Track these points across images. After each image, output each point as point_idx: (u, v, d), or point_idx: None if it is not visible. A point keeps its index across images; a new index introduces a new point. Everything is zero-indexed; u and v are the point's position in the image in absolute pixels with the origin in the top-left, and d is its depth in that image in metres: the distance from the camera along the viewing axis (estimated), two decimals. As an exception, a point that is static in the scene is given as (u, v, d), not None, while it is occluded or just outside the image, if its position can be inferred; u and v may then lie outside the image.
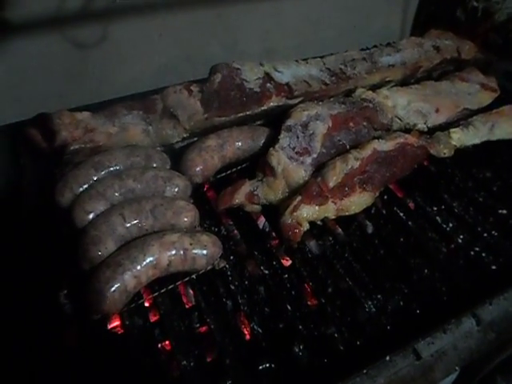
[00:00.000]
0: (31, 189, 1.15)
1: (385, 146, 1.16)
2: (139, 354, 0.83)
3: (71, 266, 0.91)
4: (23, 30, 1.36)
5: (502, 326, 0.95)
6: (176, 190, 1.07)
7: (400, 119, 1.37)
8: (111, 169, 1.08)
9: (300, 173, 1.09)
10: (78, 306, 0.88)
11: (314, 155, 1.11)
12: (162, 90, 1.28)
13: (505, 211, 1.18)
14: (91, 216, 0.99)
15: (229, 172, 1.20)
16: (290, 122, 1.16)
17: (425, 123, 1.38)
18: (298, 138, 1.12)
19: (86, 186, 1.05)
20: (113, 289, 0.86)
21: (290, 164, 1.09)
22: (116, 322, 0.90)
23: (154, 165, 1.15)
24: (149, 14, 1.50)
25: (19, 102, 1.45)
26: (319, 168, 1.12)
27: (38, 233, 1.00)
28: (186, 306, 0.92)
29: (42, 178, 1.12)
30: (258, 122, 1.36)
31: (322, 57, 1.53)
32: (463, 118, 1.44)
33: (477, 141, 1.35)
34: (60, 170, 1.10)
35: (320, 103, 1.29)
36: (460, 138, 1.32)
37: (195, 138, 1.27)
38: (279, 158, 1.10)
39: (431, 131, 1.37)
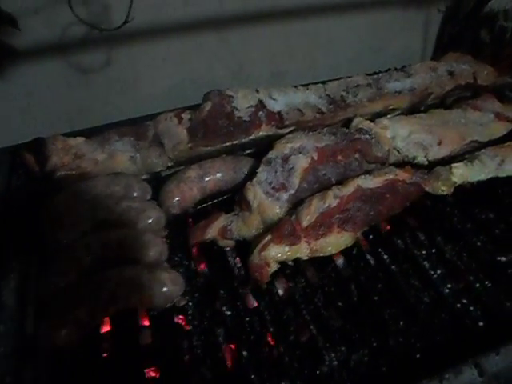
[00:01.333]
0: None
1: (371, 182, 1.09)
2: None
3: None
4: (30, 55, 1.42)
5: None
6: (149, 221, 1.06)
7: (398, 151, 1.29)
8: (89, 197, 1.09)
9: (275, 209, 1.05)
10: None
11: (292, 191, 1.07)
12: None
13: (503, 258, 1.08)
14: (62, 244, 1.00)
15: (209, 203, 1.18)
16: (270, 155, 1.12)
17: (425, 156, 1.29)
18: (276, 172, 1.08)
19: (62, 214, 1.06)
20: (63, 332, 0.85)
21: (265, 199, 1.06)
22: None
23: (135, 194, 1.15)
24: (151, 39, 1.53)
25: (26, 124, 1.51)
26: (297, 204, 1.07)
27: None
28: (141, 343, 0.90)
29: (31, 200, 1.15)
30: (248, 151, 1.34)
31: (324, 82, 1.48)
32: (471, 151, 1.34)
33: (482, 177, 1.24)
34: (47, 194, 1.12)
35: (310, 133, 1.24)
36: (463, 173, 1.22)
37: (182, 167, 1.26)
38: (255, 192, 1.06)
39: (433, 165, 1.28)
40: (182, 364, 0.87)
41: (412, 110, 1.51)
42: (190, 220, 1.13)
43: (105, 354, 0.89)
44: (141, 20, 1.45)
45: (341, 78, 1.49)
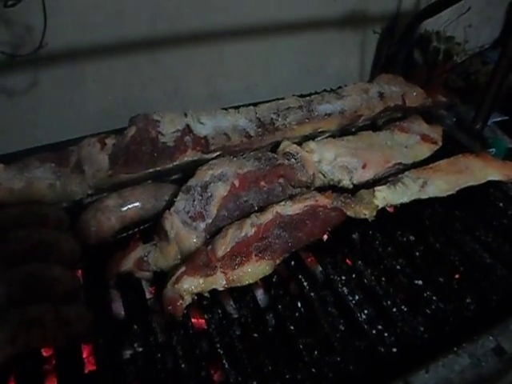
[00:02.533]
0: None
1: (290, 209, 1.09)
2: None
3: None
4: None
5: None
6: (61, 254, 1.02)
7: (324, 175, 1.31)
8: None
9: (192, 239, 1.04)
10: None
11: (209, 220, 1.06)
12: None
13: (421, 282, 1.10)
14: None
15: (130, 232, 1.15)
16: (190, 183, 1.11)
17: (350, 180, 1.31)
18: (194, 200, 1.07)
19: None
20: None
21: (182, 229, 1.04)
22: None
23: (51, 224, 1.10)
24: (80, 60, 1.49)
25: None
26: (215, 234, 1.06)
27: None
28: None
29: None
30: (175, 176, 1.32)
31: (259, 103, 1.49)
32: (395, 173, 1.37)
33: (405, 200, 1.27)
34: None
35: (234, 159, 1.24)
36: (386, 196, 1.24)
37: (104, 194, 1.23)
38: (173, 222, 1.05)
39: (358, 188, 1.30)
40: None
41: (342, 132, 1.54)
42: (109, 251, 1.09)
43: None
44: (68, 40, 1.43)
45: (277, 98, 1.51)
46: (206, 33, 1.64)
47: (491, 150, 1.88)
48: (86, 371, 0.89)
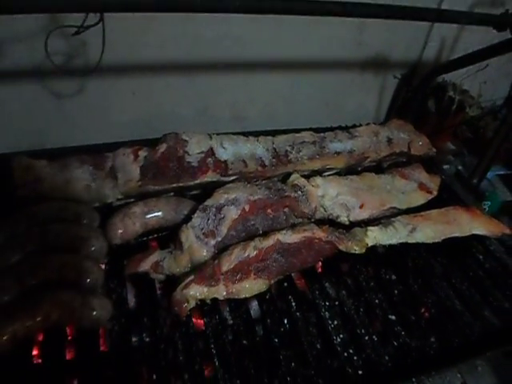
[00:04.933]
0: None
1: (289, 237, 1.26)
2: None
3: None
4: (7, 75, 1.54)
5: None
6: (91, 249, 1.20)
7: (325, 209, 1.47)
8: (40, 221, 1.23)
9: (202, 252, 1.21)
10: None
11: (219, 238, 1.23)
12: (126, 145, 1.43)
13: (394, 317, 1.26)
14: (9, 262, 1.13)
15: (149, 238, 1.33)
16: (207, 203, 1.28)
17: (347, 217, 1.47)
18: (208, 220, 1.24)
19: (15, 233, 1.20)
20: (4, 338, 0.99)
21: (195, 243, 1.21)
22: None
23: (84, 221, 1.28)
24: (124, 74, 1.68)
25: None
26: (223, 250, 1.23)
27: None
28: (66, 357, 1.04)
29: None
30: (194, 192, 1.49)
31: (278, 131, 1.67)
32: (389, 216, 1.53)
33: (394, 241, 1.42)
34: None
35: (248, 185, 1.41)
36: (376, 236, 1.40)
37: (132, 200, 1.41)
38: (188, 235, 1.22)
39: (353, 225, 1.47)
40: (101, 380, 1.01)
41: (348, 171, 1.70)
42: (130, 252, 1.27)
43: (34, 362, 1.02)
44: (117, 57, 1.61)
45: (295, 129, 1.68)
46: (237, 63, 1.82)
47: (486, 202, 2.02)
48: (100, 350, 1.07)
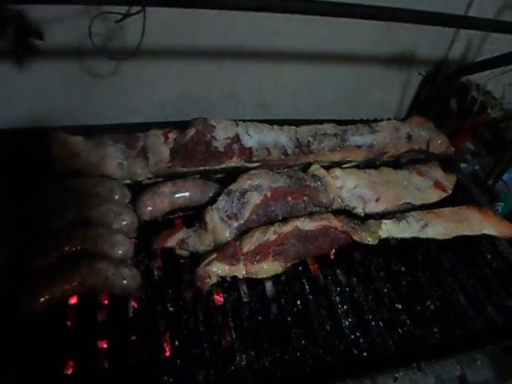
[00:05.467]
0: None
1: (307, 225, 1.34)
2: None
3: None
4: (48, 54, 1.63)
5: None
6: (123, 223, 1.30)
7: (342, 200, 1.54)
8: (77, 194, 1.32)
9: (225, 233, 1.30)
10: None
11: (241, 221, 1.31)
12: (155, 126, 1.51)
13: (400, 306, 1.34)
14: (49, 229, 1.24)
15: (176, 216, 1.42)
16: (232, 187, 1.36)
17: (363, 209, 1.54)
18: (232, 203, 1.32)
19: (54, 203, 1.30)
20: (42, 299, 1.09)
21: (219, 224, 1.30)
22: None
23: (116, 197, 1.38)
24: (157, 58, 1.75)
25: (33, 111, 1.72)
26: (245, 232, 1.31)
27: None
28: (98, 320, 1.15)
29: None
30: (219, 176, 1.57)
31: (298, 121, 1.73)
32: (403, 211, 1.59)
33: (406, 235, 1.48)
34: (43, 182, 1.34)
35: (270, 173, 1.48)
36: (389, 229, 1.46)
37: (160, 179, 1.50)
38: (212, 216, 1.31)
39: (368, 217, 1.54)
40: (128, 342, 1.12)
41: (367, 164, 1.76)
42: (157, 228, 1.36)
43: (68, 323, 1.13)
44: (151, 41, 1.67)
45: (318, 120, 1.74)
46: (266, 52, 1.87)
47: (500, 204, 2.07)
48: (129, 316, 1.17)
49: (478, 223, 1.59)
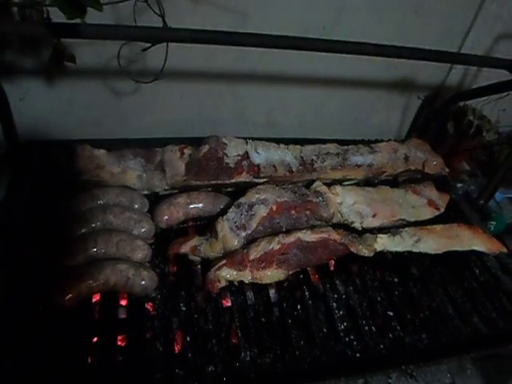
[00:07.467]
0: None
1: (308, 237, 1.47)
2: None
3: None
4: (76, 72, 1.79)
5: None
6: (142, 230, 1.44)
7: (341, 215, 1.67)
8: (102, 202, 1.47)
9: (234, 242, 1.43)
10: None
11: (249, 231, 1.45)
12: (171, 141, 1.67)
13: (392, 313, 1.46)
14: (76, 234, 1.38)
15: (189, 225, 1.56)
16: (241, 200, 1.50)
17: (360, 223, 1.67)
18: (241, 214, 1.46)
19: (81, 210, 1.44)
20: (71, 296, 1.23)
21: (229, 233, 1.44)
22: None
23: (136, 206, 1.52)
24: (174, 79, 1.90)
25: (61, 125, 1.89)
26: (251, 241, 1.45)
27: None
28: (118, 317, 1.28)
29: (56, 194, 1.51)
30: (230, 189, 1.71)
31: (304, 140, 1.88)
32: (398, 226, 1.72)
33: (400, 249, 1.61)
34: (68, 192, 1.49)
35: (276, 188, 1.62)
36: (384, 243, 1.59)
37: (176, 191, 1.64)
38: (223, 226, 1.45)
39: (365, 231, 1.67)
40: (144, 338, 1.25)
41: (366, 182, 1.90)
42: (172, 235, 1.50)
43: (93, 317, 1.27)
44: (170, 65, 1.84)
45: (322, 139, 1.88)
46: (275, 76, 2.03)
47: (492, 222, 2.19)
48: (146, 314, 1.30)
49: (468, 240, 1.71)
